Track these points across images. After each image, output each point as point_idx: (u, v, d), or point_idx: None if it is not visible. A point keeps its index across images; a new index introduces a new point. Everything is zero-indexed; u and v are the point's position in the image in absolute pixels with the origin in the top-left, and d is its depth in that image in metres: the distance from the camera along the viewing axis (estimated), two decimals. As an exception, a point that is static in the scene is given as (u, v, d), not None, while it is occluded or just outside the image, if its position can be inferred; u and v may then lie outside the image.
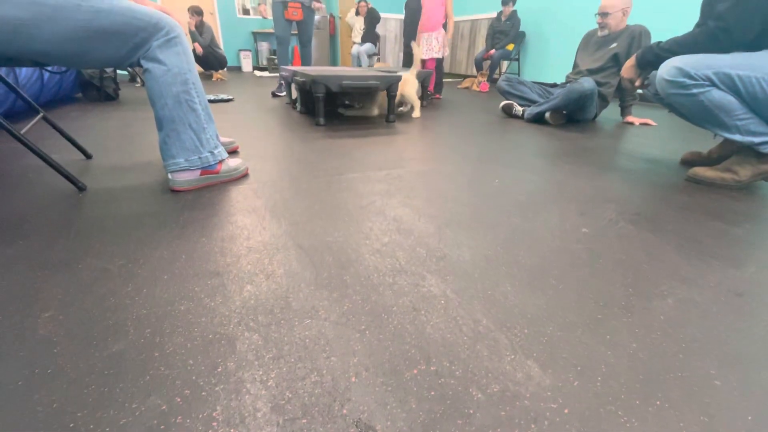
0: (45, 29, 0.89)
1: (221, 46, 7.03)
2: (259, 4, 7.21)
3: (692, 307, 0.69)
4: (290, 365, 0.53)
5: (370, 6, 5.30)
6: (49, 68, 2.11)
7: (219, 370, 0.52)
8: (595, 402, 0.49)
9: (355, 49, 5.35)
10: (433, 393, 0.50)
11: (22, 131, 1.04)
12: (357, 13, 5.39)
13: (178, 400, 0.48)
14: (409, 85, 2.59)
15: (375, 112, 2.55)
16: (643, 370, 0.55)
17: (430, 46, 3.31)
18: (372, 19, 5.28)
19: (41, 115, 1.28)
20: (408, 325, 0.62)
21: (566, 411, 0.48)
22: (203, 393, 0.49)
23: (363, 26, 5.35)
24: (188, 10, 4.82)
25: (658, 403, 0.50)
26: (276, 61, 6.98)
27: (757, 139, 1.26)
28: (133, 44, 1.00)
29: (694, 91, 1.26)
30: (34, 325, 0.59)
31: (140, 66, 1.05)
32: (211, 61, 4.99)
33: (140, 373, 0.51)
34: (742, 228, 1.04)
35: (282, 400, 0.48)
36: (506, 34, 4.60)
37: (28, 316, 0.61)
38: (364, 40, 5.38)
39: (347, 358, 0.55)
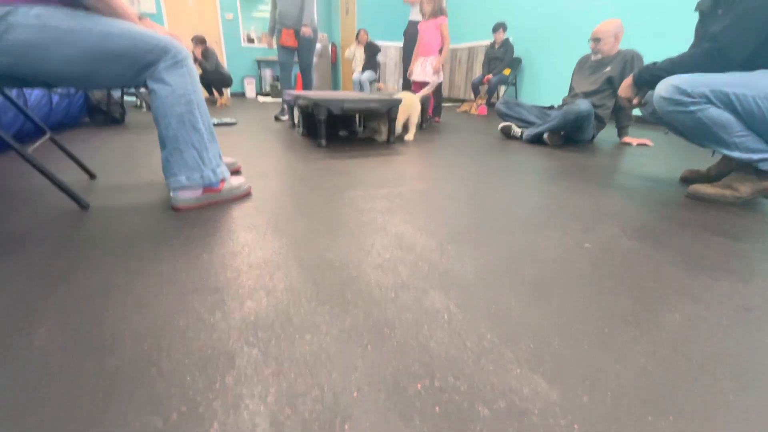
0: (56, 52, 0.92)
1: (225, 65, 7.28)
2: (262, 33, 7.48)
3: (701, 322, 0.68)
4: (290, 381, 0.52)
5: (369, 40, 5.45)
6: (58, 91, 2.17)
7: (217, 385, 0.51)
8: (606, 418, 0.48)
9: (356, 76, 5.49)
10: (437, 409, 0.48)
11: (29, 150, 1.06)
12: (357, 42, 5.54)
13: (174, 416, 0.46)
14: (416, 109, 2.63)
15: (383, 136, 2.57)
16: (653, 385, 0.53)
17: (424, 69, 3.38)
18: (372, 51, 5.43)
19: (48, 135, 1.30)
20: (411, 340, 0.61)
21: (576, 427, 0.46)
22: (200, 409, 0.47)
23: (363, 56, 5.49)
24: (192, 40, 4.99)
25: (671, 418, 0.48)
26: (278, 87, 7.18)
27: (756, 156, 1.27)
28: (141, 66, 1.03)
29: (692, 108, 1.28)
30: (30, 339, 0.58)
31: (146, 87, 1.07)
32: (217, 80, 5.18)
33: (136, 389, 0.49)
34: (747, 243, 1.03)
35: (281, 416, 0.46)
36: (501, 60, 4.73)
37: (25, 330, 0.60)
38: (364, 69, 5.52)
39: (349, 373, 0.54)
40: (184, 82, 1.08)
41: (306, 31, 3.34)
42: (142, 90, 3.94)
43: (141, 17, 1.14)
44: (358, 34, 5.46)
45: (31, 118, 1.31)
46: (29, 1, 0.90)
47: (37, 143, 1.20)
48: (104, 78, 1.01)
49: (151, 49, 1.02)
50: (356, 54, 5.58)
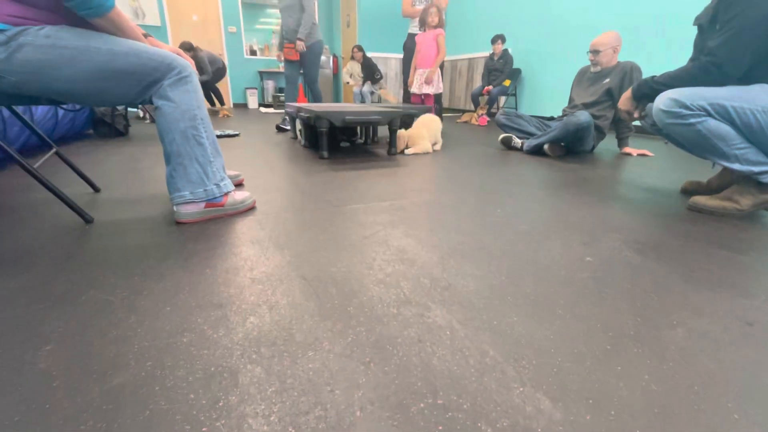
0: (64, 71, 0.94)
1: (227, 81, 7.33)
2: (264, 45, 7.59)
3: (703, 338, 0.68)
4: (293, 399, 0.52)
5: (365, 55, 5.44)
6: (65, 106, 2.20)
7: (220, 404, 0.51)
8: (610, 437, 0.47)
9: (356, 88, 5.53)
10: (440, 428, 0.48)
11: (35, 165, 1.07)
12: (352, 58, 5.54)
13: (178, 436, 0.46)
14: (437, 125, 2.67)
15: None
16: (657, 403, 0.53)
17: (422, 81, 3.43)
18: (369, 67, 5.39)
19: (54, 150, 1.32)
20: (413, 357, 0.61)
21: (580, 447, 0.46)
22: (204, 429, 0.47)
23: (361, 72, 5.48)
24: (179, 48, 4.87)
25: (675, 438, 0.48)
26: (280, 98, 7.25)
27: (756, 169, 1.28)
28: (147, 83, 1.04)
29: (691, 120, 1.29)
30: (34, 358, 0.59)
31: (152, 103, 1.09)
32: (215, 79, 5.12)
33: (140, 409, 0.50)
34: (749, 256, 1.03)
35: (284, 436, 0.46)
36: (501, 71, 4.77)
37: (29, 350, 0.60)
38: (364, 83, 5.52)
39: (352, 391, 0.54)
40: (189, 98, 1.09)
41: (298, 44, 3.41)
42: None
43: (146, 35, 1.16)
44: (352, 52, 5.42)
45: (37, 132, 1.33)
46: (39, 21, 0.92)
47: (43, 159, 1.22)
48: (111, 95, 1.03)
49: (157, 66, 1.04)
50: (353, 71, 5.55)
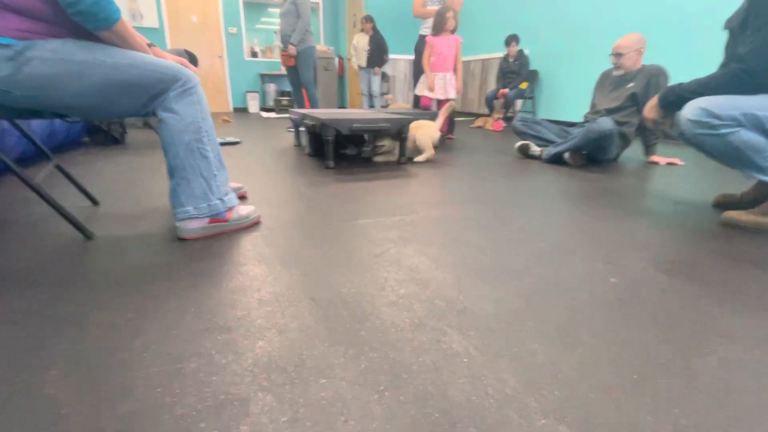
0: (71, 84, 0.99)
1: (227, 84, 7.47)
2: (266, 47, 7.76)
3: (739, 367, 0.69)
4: (306, 429, 0.54)
5: (375, 28, 5.22)
6: (68, 119, 2.28)
7: (232, 434, 0.53)
8: (638, 475, 0.49)
9: (364, 87, 5.55)
10: (460, 463, 0.50)
11: (35, 179, 1.12)
12: (361, 30, 5.33)
13: (190, 467, 0.48)
14: (423, 131, 2.68)
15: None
16: (688, 438, 0.54)
17: (444, 87, 3.50)
18: (377, 42, 5.19)
19: (54, 163, 1.37)
20: (429, 386, 0.63)
21: (607, 485, 0.47)
22: (216, 460, 0.49)
23: (368, 47, 5.24)
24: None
25: (708, 476, 0.49)
26: (282, 102, 7.38)
27: (793, 182, 1.28)
28: (151, 95, 1.09)
29: (723, 131, 1.30)
30: (40, 383, 0.61)
31: (155, 116, 1.14)
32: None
33: (150, 438, 0.52)
34: (787, 277, 1.03)
35: (299, 469, 0.48)
36: (517, 73, 4.82)
37: (35, 374, 0.63)
38: (370, 63, 5.31)
39: (366, 422, 0.56)
40: (193, 110, 1.14)
41: (290, 49, 3.85)
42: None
43: (150, 45, 1.21)
44: (361, 23, 5.14)
45: (37, 144, 1.39)
46: (46, 35, 0.97)
47: (44, 172, 1.27)
48: (116, 107, 1.08)
49: (162, 78, 1.09)
50: (359, 44, 5.29)
